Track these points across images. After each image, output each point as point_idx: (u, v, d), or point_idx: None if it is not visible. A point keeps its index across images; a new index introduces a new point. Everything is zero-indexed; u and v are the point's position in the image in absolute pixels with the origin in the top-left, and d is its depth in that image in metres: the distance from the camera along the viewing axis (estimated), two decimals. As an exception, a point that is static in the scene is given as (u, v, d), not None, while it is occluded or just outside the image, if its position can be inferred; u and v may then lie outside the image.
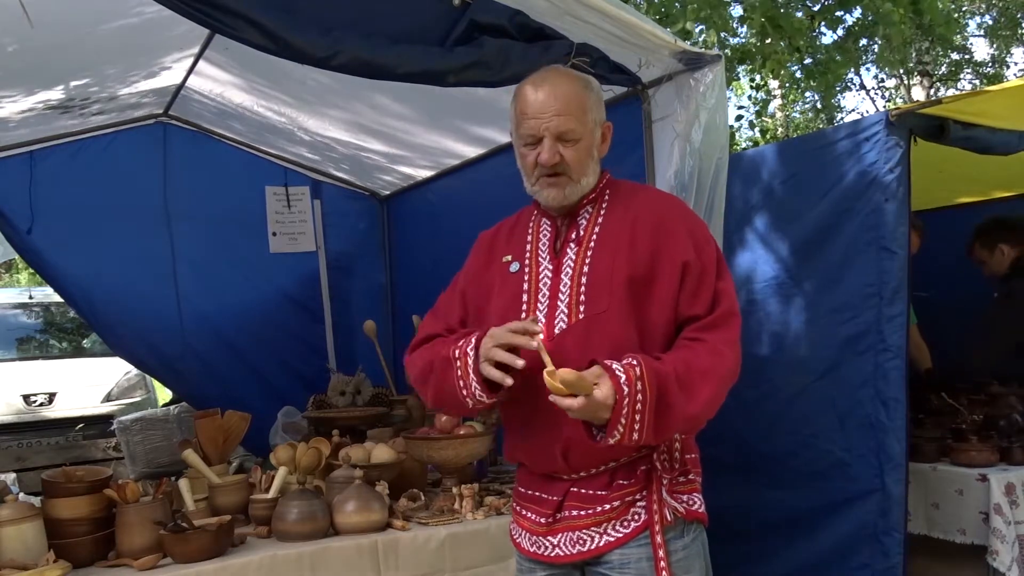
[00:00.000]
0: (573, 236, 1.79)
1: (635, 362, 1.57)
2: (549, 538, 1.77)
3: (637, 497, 1.72)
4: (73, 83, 3.28)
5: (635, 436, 1.57)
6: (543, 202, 1.81)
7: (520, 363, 1.61)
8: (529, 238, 1.86)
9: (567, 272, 1.75)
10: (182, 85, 3.65)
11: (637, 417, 1.55)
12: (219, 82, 3.57)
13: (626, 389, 1.54)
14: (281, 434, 3.73)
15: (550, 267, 1.79)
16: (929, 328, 3.98)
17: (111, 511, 2.28)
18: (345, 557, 2.30)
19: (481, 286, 1.89)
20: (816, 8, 9.48)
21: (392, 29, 2.29)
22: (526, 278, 1.81)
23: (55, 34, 2.64)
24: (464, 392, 1.72)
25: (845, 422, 3.19)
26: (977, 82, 16.14)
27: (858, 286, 3.16)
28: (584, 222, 1.80)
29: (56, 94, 3.33)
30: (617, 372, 1.55)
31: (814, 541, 3.27)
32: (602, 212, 1.81)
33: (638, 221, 1.76)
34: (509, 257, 1.86)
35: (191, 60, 3.32)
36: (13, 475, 5.29)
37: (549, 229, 1.85)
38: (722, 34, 8.91)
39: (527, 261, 1.83)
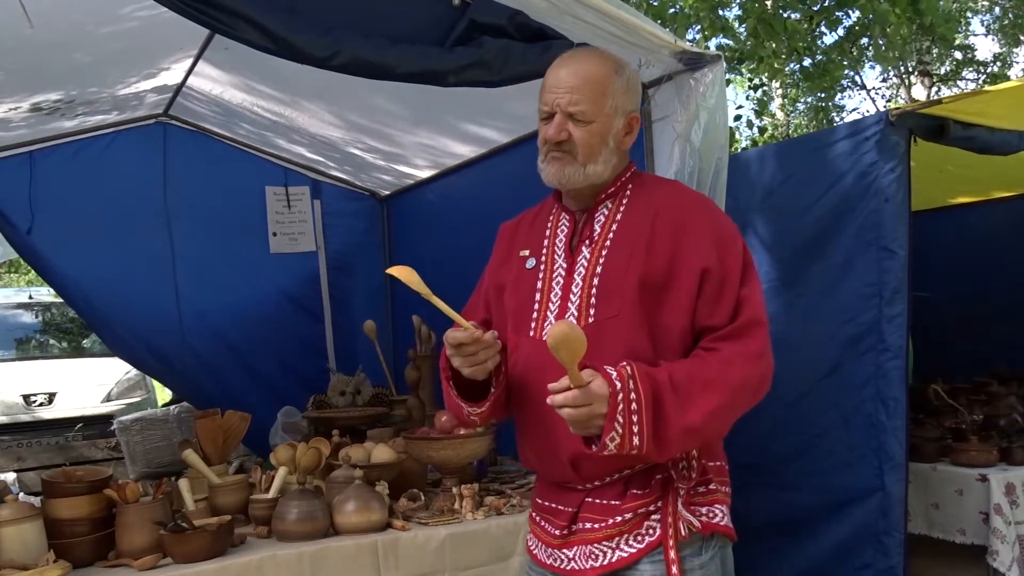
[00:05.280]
0: (589, 234, 1.73)
1: (626, 363, 1.51)
2: (564, 551, 1.70)
3: (651, 509, 1.64)
4: (73, 83, 3.29)
5: (635, 441, 1.47)
6: (545, 180, 1.75)
7: (468, 335, 1.60)
8: (548, 233, 1.80)
9: (580, 272, 1.69)
10: (182, 85, 3.65)
11: (634, 419, 1.47)
12: (219, 82, 3.57)
13: (619, 384, 1.47)
14: (281, 434, 3.73)
15: (564, 265, 1.73)
16: (929, 328, 3.98)
17: (111, 511, 2.28)
18: (345, 557, 2.30)
19: (499, 283, 1.85)
20: (816, 8, 9.49)
21: (392, 29, 2.29)
22: (540, 276, 1.75)
23: (55, 34, 2.64)
24: (459, 408, 1.73)
25: (849, 422, 3.19)
26: (980, 81, 16.13)
27: (858, 286, 3.16)
28: (602, 219, 1.73)
29: (55, 95, 3.34)
30: (608, 370, 1.49)
31: (818, 541, 3.28)
32: (621, 209, 1.73)
33: (658, 221, 1.67)
34: (527, 252, 1.81)
35: (191, 60, 3.32)
36: (13, 475, 5.30)
37: (567, 224, 1.78)
38: (720, 36, 8.94)
39: (543, 257, 1.77)
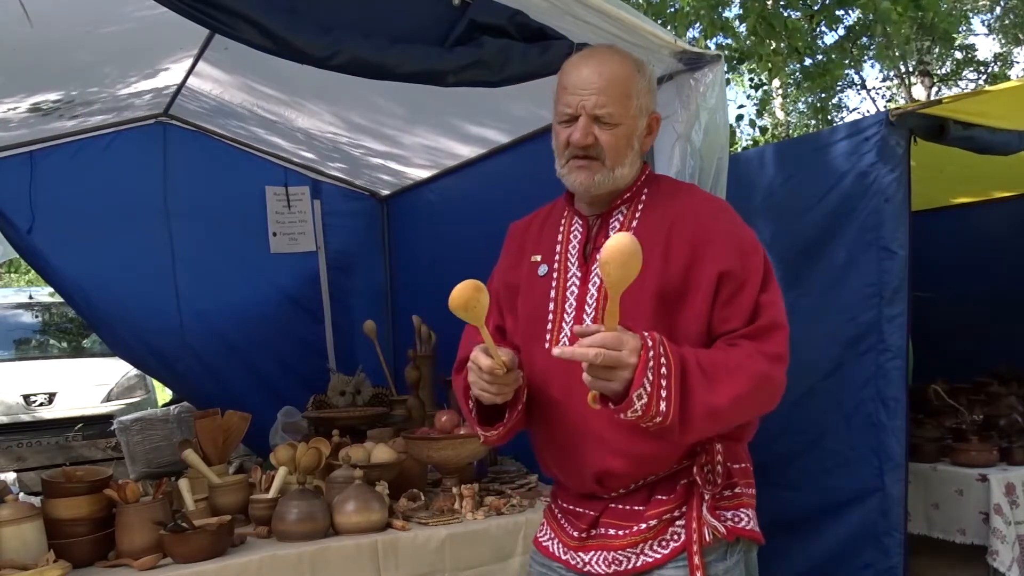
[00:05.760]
0: (603, 241, 1.62)
1: (654, 331, 1.45)
2: (581, 554, 1.68)
3: (676, 514, 1.61)
4: (73, 83, 3.28)
5: (662, 407, 1.39)
6: (570, 187, 1.70)
7: (494, 398, 1.56)
8: (560, 238, 1.75)
9: (594, 282, 1.65)
10: (182, 85, 3.65)
11: (663, 383, 1.39)
12: (219, 82, 3.57)
13: (650, 342, 1.40)
14: (281, 434, 3.73)
15: (578, 274, 1.68)
16: (929, 328, 3.98)
17: (111, 511, 2.28)
18: (345, 557, 2.30)
19: (510, 285, 1.81)
20: (816, 7, 9.49)
21: (392, 29, 2.28)
22: (554, 284, 1.71)
23: (55, 34, 2.64)
24: (481, 438, 1.70)
25: (850, 422, 3.19)
26: (981, 81, 16.14)
27: (858, 286, 3.16)
28: (617, 225, 1.68)
29: (55, 95, 3.33)
30: (641, 332, 1.43)
31: (818, 541, 3.28)
32: (637, 215, 1.67)
33: (675, 228, 1.62)
34: (538, 257, 1.76)
35: (191, 60, 3.32)
36: (13, 475, 5.29)
37: (580, 230, 1.73)
38: (719, 36, 8.93)
39: (556, 265, 1.72)
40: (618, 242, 1.33)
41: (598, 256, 1.33)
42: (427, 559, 2.38)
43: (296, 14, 2.17)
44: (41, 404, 6.67)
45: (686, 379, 1.43)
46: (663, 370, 1.40)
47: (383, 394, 3.78)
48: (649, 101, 1.69)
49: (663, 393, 1.40)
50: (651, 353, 1.39)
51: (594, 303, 1.64)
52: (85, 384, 6.89)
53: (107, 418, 6.07)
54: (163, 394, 7.24)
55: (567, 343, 1.62)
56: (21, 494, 3.39)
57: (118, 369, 6.85)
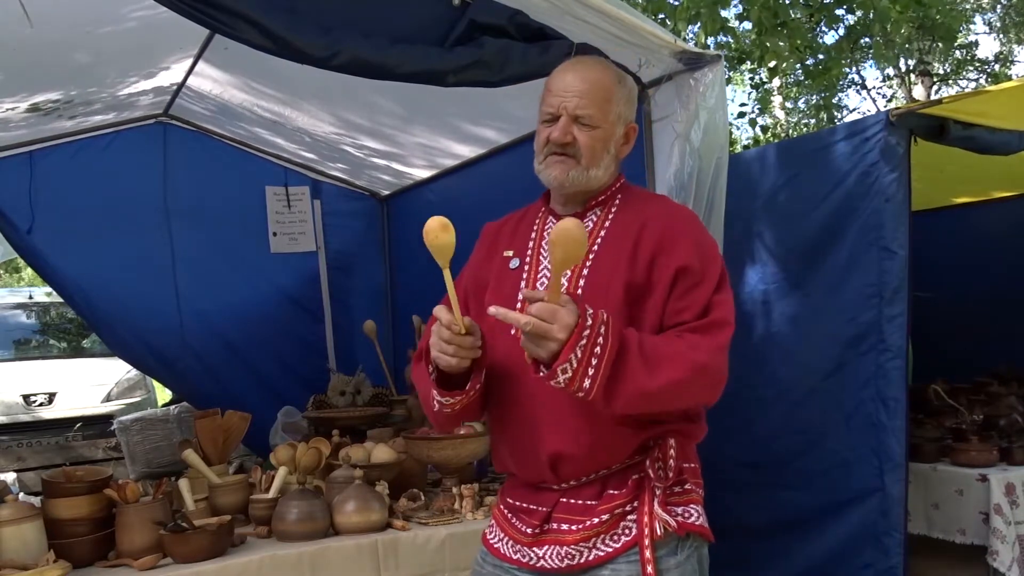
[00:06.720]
0: None
1: (604, 311, 1.51)
2: (534, 549, 1.70)
3: (627, 509, 1.65)
4: (72, 83, 3.29)
5: (586, 383, 1.46)
6: (544, 181, 1.76)
7: (452, 361, 1.59)
8: (533, 235, 1.81)
9: (565, 275, 1.69)
10: (182, 85, 3.65)
11: (593, 361, 1.45)
12: (219, 82, 3.57)
13: (589, 320, 1.46)
14: (281, 434, 3.73)
15: (549, 267, 1.73)
16: (929, 328, 3.98)
17: (111, 511, 2.28)
18: (345, 557, 2.30)
19: (480, 280, 1.85)
20: (816, 7, 9.48)
21: (392, 29, 2.29)
22: (524, 275, 1.76)
23: (55, 34, 2.64)
24: (435, 406, 1.70)
25: (850, 422, 3.19)
26: (981, 80, 16.14)
27: (859, 286, 3.16)
28: (590, 225, 1.75)
29: (55, 95, 3.34)
30: (587, 307, 1.48)
31: (818, 541, 3.28)
32: (609, 217, 1.75)
33: (644, 230, 1.69)
34: (511, 252, 1.82)
35: (191, 60, 3.32)
36: (13, 475, 5.29)
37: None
38: (719, 36, 8.92)
39: (528, 258, 1.79)
40: (565, 226, 1.41)
41: (546, 235, 1.42)
42: (427, 559, 2.38)
43: (296, 14, 2.17)
44: (41, 404, 6.67)
45: (622, 360, 1.49)
46: (596, 349, 1.46)
47: (383, 394, 3.78)
48: (628, 111, 1.77)
49: (590, 372, 1.46)
50: (586, 332, 1.45)
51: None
52: (85, 384, 6.90)
53: (107, 418, 6.07)
54: (163, 394, 7.24)
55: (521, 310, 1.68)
56: (21, 494, 3.40)
57: (118, 369, 6.85)
